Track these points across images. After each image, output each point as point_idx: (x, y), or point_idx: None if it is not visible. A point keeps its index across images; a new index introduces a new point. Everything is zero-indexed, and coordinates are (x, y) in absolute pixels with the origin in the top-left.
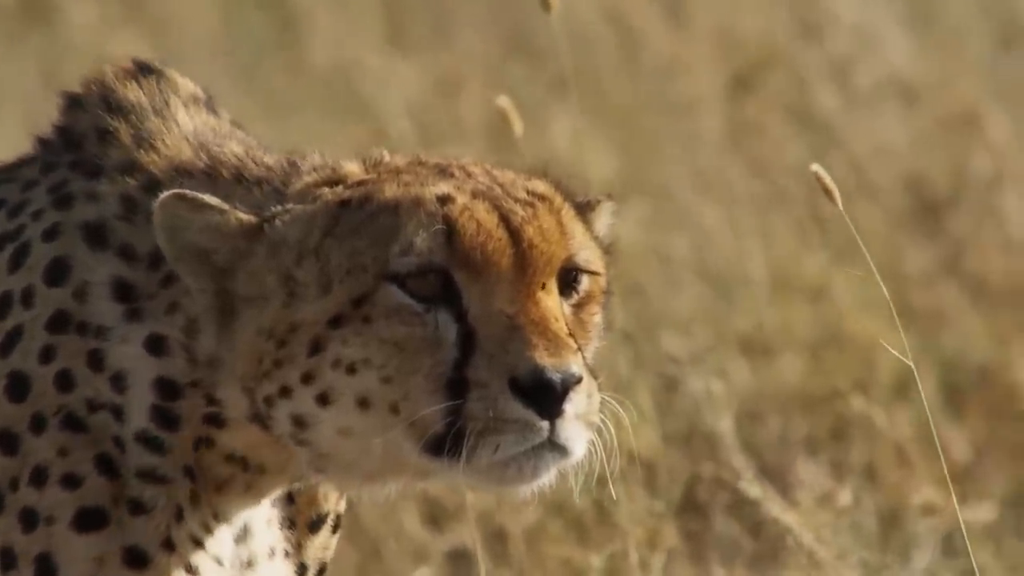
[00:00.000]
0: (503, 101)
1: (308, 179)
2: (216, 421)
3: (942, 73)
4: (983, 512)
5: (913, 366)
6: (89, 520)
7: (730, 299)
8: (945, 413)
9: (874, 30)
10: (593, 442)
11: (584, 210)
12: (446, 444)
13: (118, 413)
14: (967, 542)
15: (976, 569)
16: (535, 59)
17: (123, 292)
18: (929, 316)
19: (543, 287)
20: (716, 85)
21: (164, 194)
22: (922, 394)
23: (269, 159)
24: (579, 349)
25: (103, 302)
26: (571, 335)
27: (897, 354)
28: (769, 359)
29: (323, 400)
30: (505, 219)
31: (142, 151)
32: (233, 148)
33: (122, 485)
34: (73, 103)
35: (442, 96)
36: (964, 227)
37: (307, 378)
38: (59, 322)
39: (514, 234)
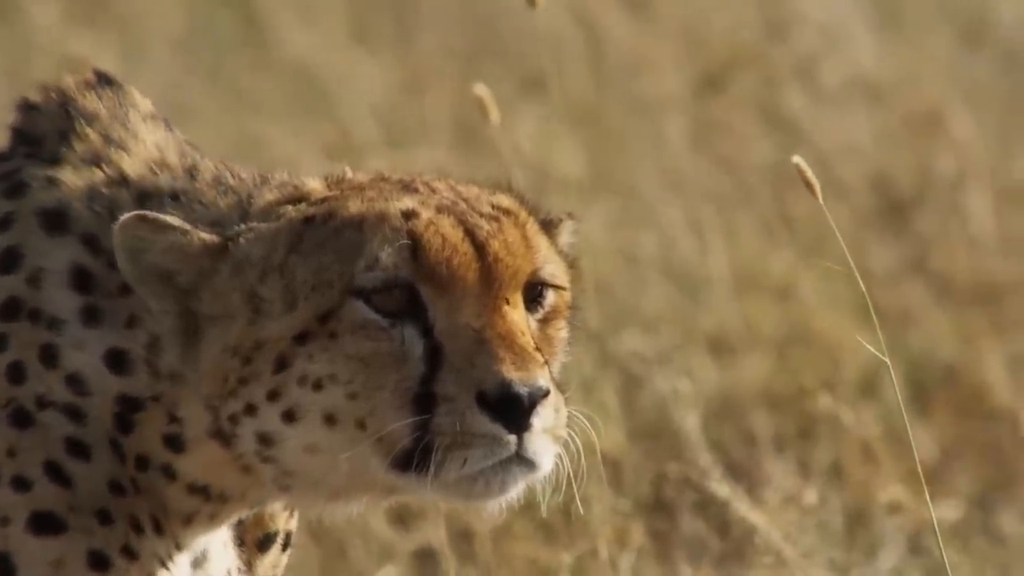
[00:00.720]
0: (480, 90)
1: (271, 197)
2: (176, 444)
3: (908, 72)
4: (950, 511)
5: (888, 362)
6: (44, 524)
7: (696, 298)
8: (912, 412)
9: (840, 29)
10: (560, 456)
11: (548, 226)
12: (414, 459)
13: (75, 415)
14: (938, 539)
15: (948, 567)
16: (501, 58)
17: (81, 280)
18: (895, 315)
19: (509, 301)
20: (683, 84)
21: (125, 216)
22: (896, 391)
23: (243, 171)
24: (546, 363)
25: (58, 290)
26: (538, 349)
27: (873, 350)
28: (736, 358)
29: (289, 417)
30: (470, 233)
31: (112, 149)
32: (206, 159)
33: (75, 494)
34: (30, 109)
35: (407, 94)
36: (930, 226)
37: (273, 395)
38: (11, 309)
39: (479, 248)
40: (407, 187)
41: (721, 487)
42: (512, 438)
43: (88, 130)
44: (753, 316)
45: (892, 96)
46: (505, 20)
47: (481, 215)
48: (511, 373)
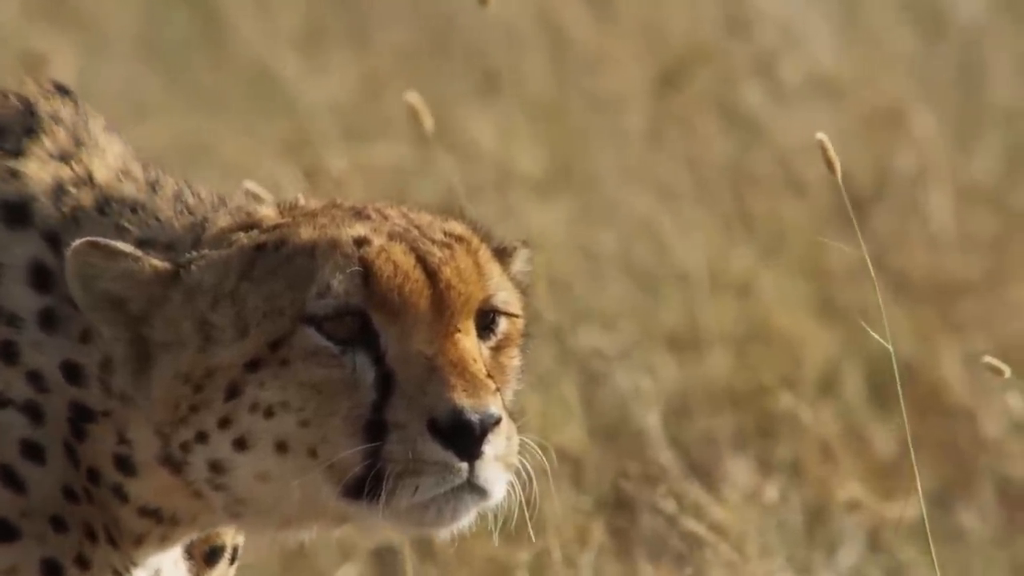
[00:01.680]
0: (412, 97)
1: (223, 223)
2: (126, 467)
3: (867, 70)
4: (909, 509)
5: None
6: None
7: (656, 295)
8: (870, 409)
9: (800, 27)
10: (512, 484)
11: (501, 254)
12: (365, 487)
13: (34, 414)
14: (933, 536)
15: (933, 562)
16: (460, 55)
17: (41, 279)
18: (854, 312)
19: (461, 328)
20: (643, 81)
21: (76, 242)
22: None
23: (203, 191)
24: (498, 390)
25: (17, 286)
26: (490, 377)
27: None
28: (696, 355)
29: (241, 445)
30: (422, 260)
31: (82, 149)
32: (167, 174)
33: (29, 499)
34: None
35: (366, 93)
36: (888, 223)
37: (224, 423)
38: None
39: (431, 275)
40: (359, 214)
41: (681, 485)
42: (463, 466)
43: (56, 128)
44: (713, 313)
45: (851, 94)
46: (464, 17)
47: (433, 242)
48: (463, 400)
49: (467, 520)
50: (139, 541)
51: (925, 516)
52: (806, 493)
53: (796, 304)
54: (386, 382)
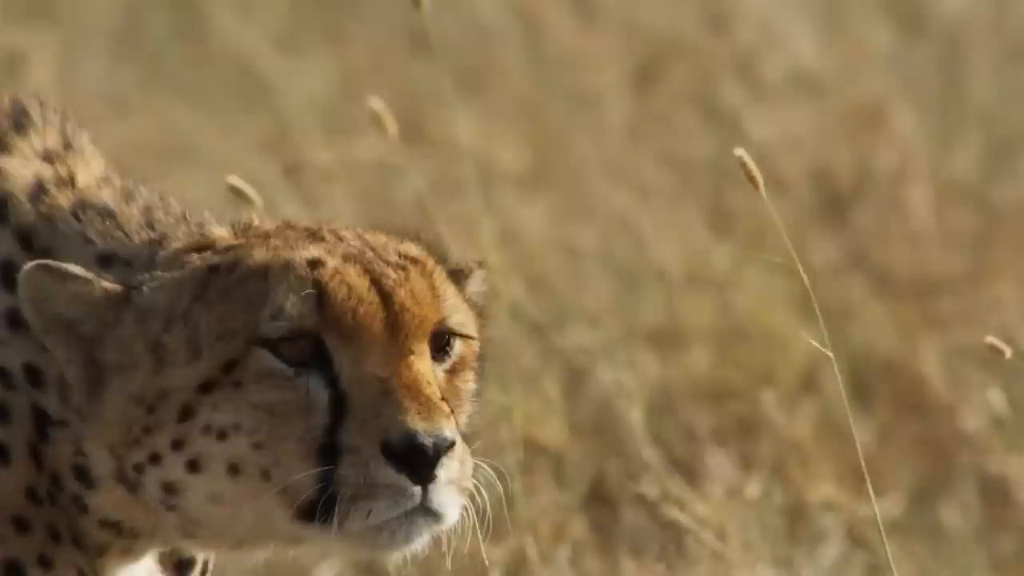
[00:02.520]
0: (376, 103)
1: (177, 245)
2: (85, 478)
3: (848, 67)
4: (890, 505)
5: (831, 356)
6: None
7: (638, 292)
8: (851, 406)
9: (780, 23)
10: (466, 507)
11: (457, 275)
12: (318, 510)
13: (1, 412)
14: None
15: (890, 560)
16: (440, 53)
17: (10, 277)
18: (835, 309)
19: (415, 351)
20: (622, 77)
21: (28, 265)
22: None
23: (175, 207)
24: (452, 414)
25: None
26: (444, 400)
27: (816, 344)
28: (677, 351)
29: (193, 467)
30: (376, 282)
31: (70, 153)
32: (143, 187)
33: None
34: None
35: (346, 90)
36: (869, 220)
37: (177, 444)
38: None
39: (386, 297)
40: (313, 235)
41: (663, 481)
42: (417, 489)
43: (47, 128)
44: (694, 310)
45: (832, 91)
46: (445, 14)
47: (388, 263)
48: (416, 424)
49: (420, 543)
50: (101, 552)
51: (876, 515)
52: (787, 490)
53: (777, 301)
54: (340, 405)
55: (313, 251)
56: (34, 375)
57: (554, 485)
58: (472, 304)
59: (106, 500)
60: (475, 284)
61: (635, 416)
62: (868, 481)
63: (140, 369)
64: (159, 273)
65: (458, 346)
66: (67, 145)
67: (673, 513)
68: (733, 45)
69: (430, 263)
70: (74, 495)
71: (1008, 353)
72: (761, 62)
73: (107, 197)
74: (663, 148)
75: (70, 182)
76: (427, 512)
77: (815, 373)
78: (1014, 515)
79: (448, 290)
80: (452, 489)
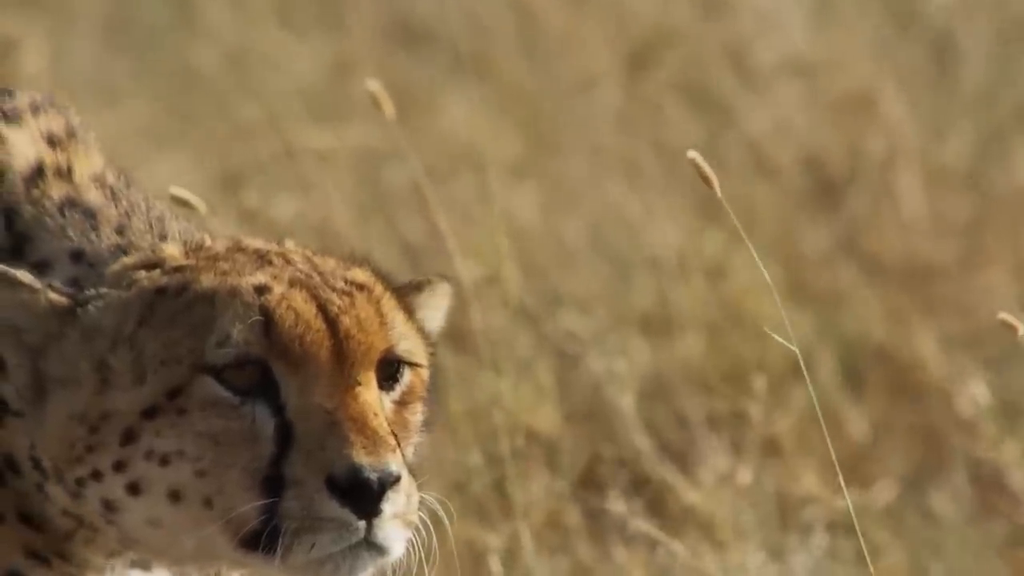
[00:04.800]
0: (373, 84)
1: (127, 261)
2: (41, 471)
3: (839, 54)
4: (882, 492)
5: (793, 345)
6: None
7: (629, 279)
8: (843, 393)
9: (772, 10)
10: (412, 540)
11: (410, 293)
12: (261, 541)
13: None
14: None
15: (864, 550)
16: (431, 40)
17: None
18: (826, 296)
19: (362, 381)
20: (613, 64)
21: None
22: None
23: (159, 211)
24: (398, 446)
25: None
26: (392, 431)
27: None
28: (668, 338)
29: (134, 489)
30: (323, 309)
31: (73, 143)
32: (135, 189)
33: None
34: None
35: (338, 76)
36: (860, 207)
37: (119, 466)
38: None
39: (331, 324)
40: (262, 258)
41: (655, 467)
42: (361, 524)
43: (59, 116)
44: (685, 297)
45: (823, 77)
46: (437, 1)
47: (334, 290)
48: (361, 458)
49: (365, 574)
50: (67, 538)
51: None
52: (780, 476)
53: (768, 288)
54: (285, 435)
55: (260, 277)
56: None
57: (547, 471)
58: (423, 331)
59: (60, 496)
60: (440, 298)
61: (627, 403)
62: (840, 474)
63: (83, 387)
64: (105, 290)
65: (407, 375)
66: (71, 134)
67: (664, 502)
68: (725, 32)
69: (378, 289)
70: (36, 483)
71: (1021, 330)
72: (753, 49)
73: (94, 197)
74: (655, 135)
75: (67, 173)
76: (371, 546)
77: (806, 359)
78: (1006, 501)
79: (396, 317)
80: (397, 523)
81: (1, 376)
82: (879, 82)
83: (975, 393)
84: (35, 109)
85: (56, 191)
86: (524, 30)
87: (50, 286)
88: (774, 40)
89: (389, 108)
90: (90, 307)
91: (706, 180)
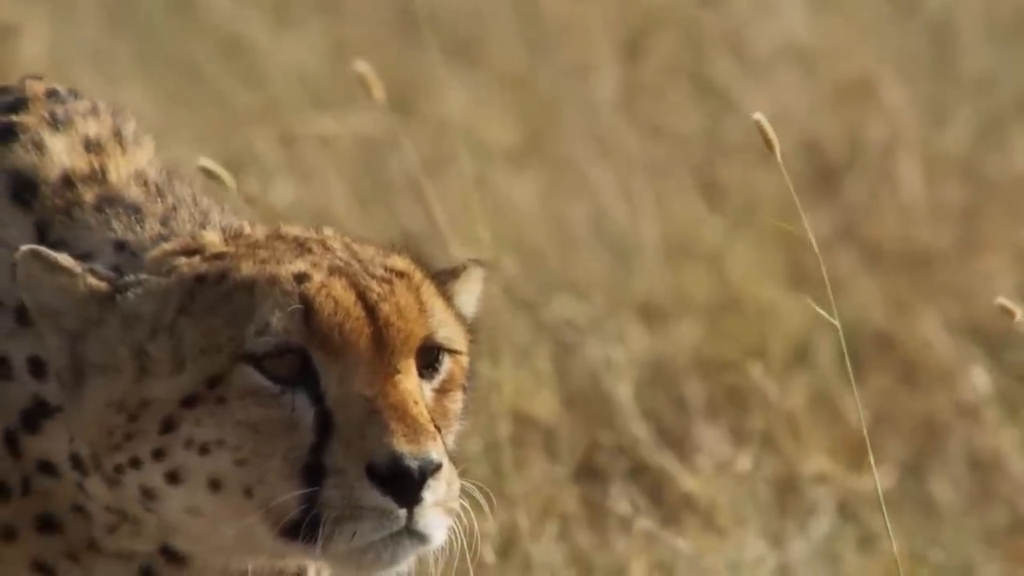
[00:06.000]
0: (362, 67)
1: (167, 247)
2: (81, 466)
3: (838, 40)
4: (882, 478)
5: (837, 324)
6: None
7: (628, 265)
8: (843, 379)
9: None
10: (454, 528)
11: (448, 280)
12: (302, 530)
13: None
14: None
15: (889, 531)
16: (429, 26)
17: None
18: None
19: (401, 369)
20: (612, 50)
21: (22, 249)
22: (845, 352)
23: (207, 206)
24: (439, 434)
25: (4, 271)
26: (431, 419)
27: (821, 311)
28: (668, 325)
29: (173, 478)
30: (362, 296)
31: (110, 143)
32: (184, 184)
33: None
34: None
35: (337, 62)
36: (859, 193)
37: (158, 454)
38: None
39: (371, 312)
40: (301, 246)
41: (654, 454)
42: (402, 512)
43: (110, 119)
44: (685, 283)
45: (823, 64)
46: None
47: (373, 277)
48: (402, 446)
49: (406, 564)
50: (112, 529)
51: (879, 489)
52: (778, 463)
53: (768, 274)
54: (325, 423)
55: (300, 265)
56: (37, 367)
57: (545, 458)
58: (461, 317)
59: (97, 487)
60: (473, 283)
61: (625, 389)
62: (870, 452)
63: (122, 374)
64: (145, 276)
65: (446, 363)
66: (114, 136)
67: (663, 489)
68: (724, 17)
69: (417, 276)
70: (75, 482)
71: (1019, 315)
72: (752, 35)
73: (135, 194)
74: (654, 121)
75: (101, 175)
76: (412, 534)
77: (807, 345)
78: (1005, 488)
79: (436, 304)
80: (438, 511)
81: (41, 377)
82: (878, 68)
83: (975, 379)
84: (86, 113)
85: (89, 194)
86: (523, 16)
87: (91, 270)
88: (774, 25)
89: (379, 91)
90: (129, 293)
91: (768, 143)
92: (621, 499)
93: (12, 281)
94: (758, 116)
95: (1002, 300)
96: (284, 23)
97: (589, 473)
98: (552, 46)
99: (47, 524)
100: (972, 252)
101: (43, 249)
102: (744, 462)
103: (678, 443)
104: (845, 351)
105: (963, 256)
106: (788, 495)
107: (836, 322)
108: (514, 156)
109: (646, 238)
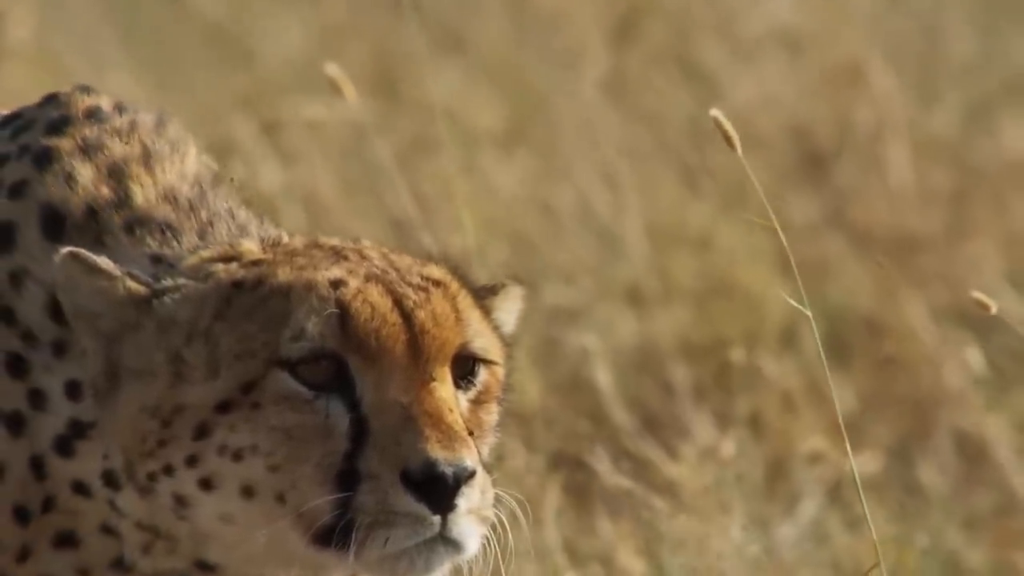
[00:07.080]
0: (332, 70)
1: (204, 254)
2: (113, 481)
3: (827, 25)
4: (868, 462)
5: (809, 315)
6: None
7: (614, 250)
8: (830, 364)
9: None
10: (488, 536)
11: (486, 295)
12: (335, 536)
13: (15, 428)
14: (860, 490)
15: (868, 519)
16: (416, 10)
17: (58, 309)
18: (814, 267)
19: (437, 376)
20: (599, 35)
21: (62, 251)
22: (818, 342)
23: (244, 218)
24: (474, 442)
25: (36, 306)
26: (466, 428)
27: (793, 303)
28: (653, 310)
29: (206, 485)
30: (399, 303)
31: (136, 165)
32: (221, 197)
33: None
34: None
35: (324, 48)
36: (848, 178)
37: (191, 461)
38: None
39: (407, 319)
40: (338, 254)
41: (639, 440)
42: (436, 519)
43: (140, 135)
44: (671, 269)
45: (811, 49)
46: None
47: (410, 285)
48: (436, 452)
49: (440, 571)
50: (146, 550)
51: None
52: (765, 448)
53: (756, 259)
54: (359, 430)
55: (336, 271)
56: (74, 390)
57: (528, 446)
58: (498, 329)
59: (130, 501)
60: (512, 301)
61: (611, 376)
62: (846, 438)
63: (157, 379)
64: (182, 281)
65: (482, 374)
66: (144, 152)
67: (649, 475)
68: (712, 3)
69: (454, 286)
70: (107, 500)
71: (994, 308)
72: (740, 20)
73: (166, 213)
74: (641, 106)
75: (125, 201)
76: (446, 541)
77: (794, 331)
78: (991, 473)
79: (472, 314)
80: (472, 519)
81: (77, 398)
82: (866, 53)
83: (961, 364)
84: (120, 131)
85: (117, 219)
86: (509, 1)
87: (129, 274)
88: (762, 11)
89: (351, 91)
90: (166, 298)
91: (728, 139)
92: (607, 476)
93: (47, 317)
94: (715, 112)
95: (977, 294)
96: (273, 7)
97: (573, 460)
98: (539, 31)
99: (65, 540)
100: (960, 237)
101: (82, 251)
102: (729, 447)
103: (665, 428)
104: (818, 339)
105: (951, 241)
106: (775, 480)
107: (808, 312)
108: (501, 142)
109: (632, 224)
